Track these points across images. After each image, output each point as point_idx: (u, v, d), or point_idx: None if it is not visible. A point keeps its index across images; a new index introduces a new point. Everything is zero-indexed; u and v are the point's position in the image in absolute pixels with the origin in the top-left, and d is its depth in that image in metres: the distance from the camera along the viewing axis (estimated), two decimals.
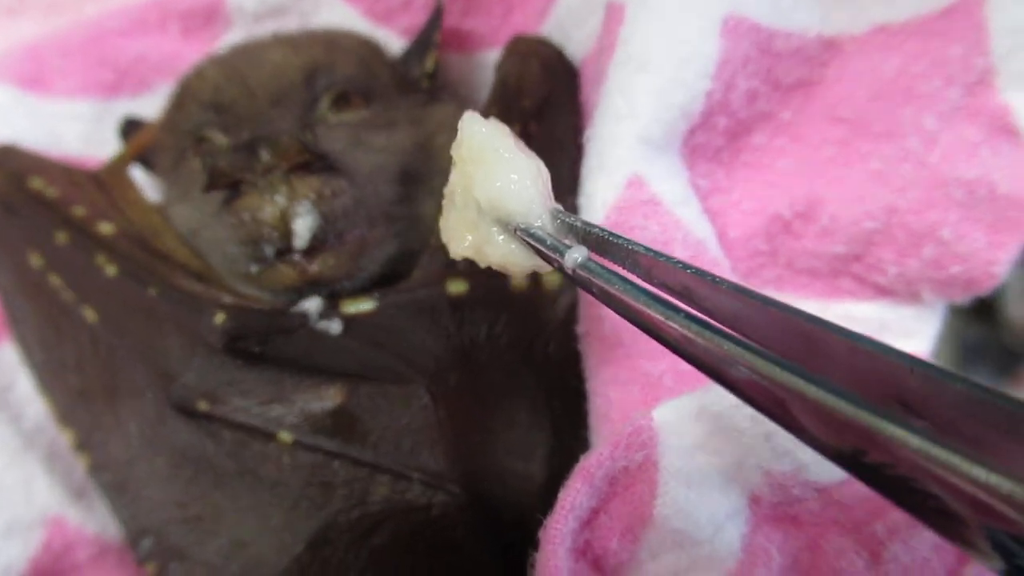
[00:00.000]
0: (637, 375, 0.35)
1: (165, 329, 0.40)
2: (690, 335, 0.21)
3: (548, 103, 0.45)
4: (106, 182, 0.47)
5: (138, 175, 0.48)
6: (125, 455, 0.42)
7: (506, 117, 0.43)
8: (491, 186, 0.28)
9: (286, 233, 0.37)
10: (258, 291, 0.40)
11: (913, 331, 0.36)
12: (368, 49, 0.46)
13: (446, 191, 0.30)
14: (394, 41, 0.49)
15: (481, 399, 0.41)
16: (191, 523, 0.41)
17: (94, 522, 0.47)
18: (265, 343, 0.38)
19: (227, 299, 0.39)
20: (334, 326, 0.38)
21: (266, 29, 0.50)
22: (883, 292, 0.37)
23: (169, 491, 0.41)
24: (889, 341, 0.35)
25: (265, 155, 0.37)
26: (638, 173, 0.35)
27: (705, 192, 0.38)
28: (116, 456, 0.43)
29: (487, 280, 0.40)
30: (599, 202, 0.35)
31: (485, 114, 0.44)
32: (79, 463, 0.47)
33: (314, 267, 0.38)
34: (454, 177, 0.30)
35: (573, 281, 0.27)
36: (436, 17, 0.46)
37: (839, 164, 0.36)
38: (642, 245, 0.26)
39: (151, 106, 0.51)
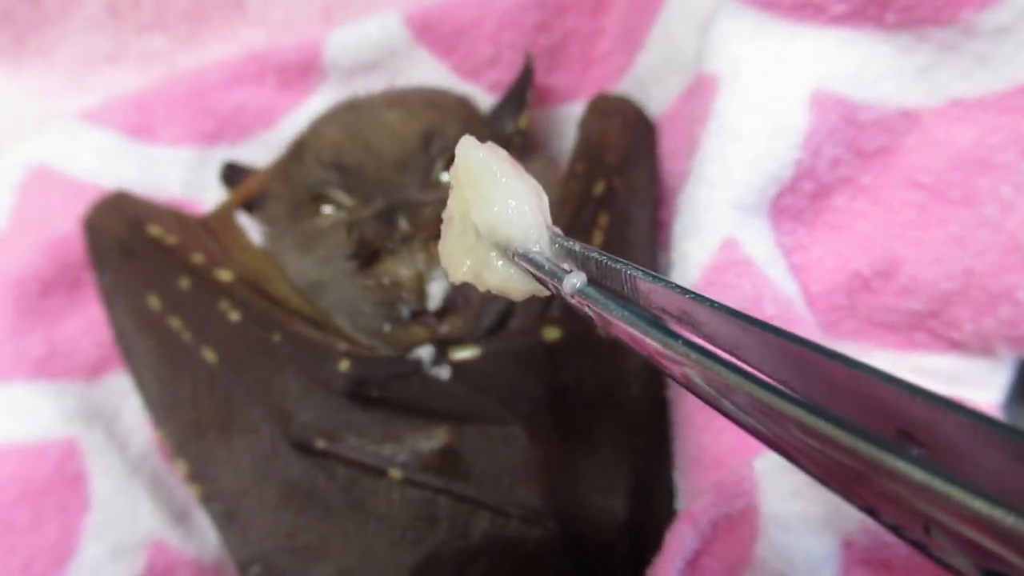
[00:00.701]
0: (730, 423, 0.38)
1: (285, 372, 0.43)
2: (687, 362, 0.20)
3: (629, 159, 0.48)
4: (215, 228, 0.50)
5: (244, 220, 0.51)
6: (237, 486, 0.45)
7: (592, 172, 0.47)
8: (489, 210, 0.27)
9: (421, 296, 0.40)
10: (381, 344, 0.43)
11: (985, 383, 0.39)
12: (468, 110, 0.49)
13: (444, 215, 0.30)
14: (481, 97, 0.52)
15: (570, 439, 0.43)
16: (299, 552, 0.44)
17: (193, 545, 0.50)
18: (384, 388, 0.41)
19: (344, 346, 0.42)
20: (444, 372, 0.41)
21: (359, 83, 0.53)
22: (957, 346, 0.39)
23: (279, 521, 0.44)
24: (962, 392, 0.38)
25: (404, 224, 0.40)
26: (732, 236, 0.37)
27: (789, 249, 0.40)
28: (228, 487, 0.45)
29: (579, 327, 0.43)
30: (694, 261, 0.38)
31: (571, 170, 0.47)
32: (188, 492, 0.50)
33: (444, 327, 0.41)
34: (452, 202, 0.29)
35: (571, 307, 0.26)
36: (527, 75, 0.49)
37: (917, 227, 0.39)
38: (641, 269, 0.25)
39: (249, 153, 0.54)
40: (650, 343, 0.21)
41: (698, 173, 0.39)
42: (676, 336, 0.21)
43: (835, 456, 0.17)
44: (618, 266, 0.25)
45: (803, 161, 0.38)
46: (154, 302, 0.47)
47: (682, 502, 0.43)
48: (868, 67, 0.38)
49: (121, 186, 0.51)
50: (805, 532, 0.33)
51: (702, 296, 0.23)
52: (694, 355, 0.20)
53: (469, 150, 0.28)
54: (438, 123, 0.46)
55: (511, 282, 0.28)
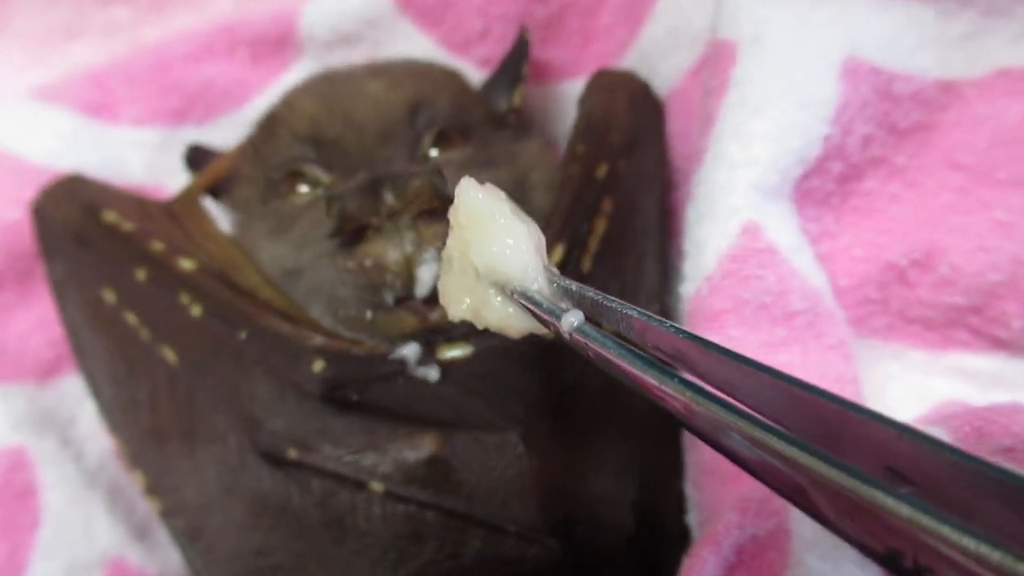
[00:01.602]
0: None
1: (252, 373, 0.39)
2: (684, 400, 0.21)
3: (636, 139, 0.44)
4: (178, 214, 0.46)
5: (209, 206, 0.47)
6: (201, 501, 0.41)
7: (594, 153, 0.43)
8: (488, 250, 0.28)
9: (409, 281, 0.36)
10: (365, 335, 0.39)
11: None
12: (458, 84, 0.46)
13: (444, 255, 0.31)
14: (471, 73, 0.48)
15: (571, 446, 0.40)
16: (269, 573, 0.40)
17: (155, 563, 0.47)
18: (364, 391, 0.36)
19: (319, 340, 0.38)
20: (432, 373, 0.37)
21: (338, 58, 0.49)
22: (1001, 345, 0.36)
23: (248, 540, 0.40)
24: (1004, 395, 0.34)
25: (390, 198, 0.35)
26: (753, 220, 0.34)
27: (814, 237, 0.37)
28: (191, 502, 0.41)
29: None
30: (711, 249, 0.34)
31: (571, 151, 0.43)
32: (147, 505, 0.46)
33: (435, 315, 0.37)
34: (451, 241, 0.30)
35: (569, 345, 0.26)
36: (522, 49, 0.45)
37: (959, 212, 0.35)
38: (635, 309, 0.25)
39: (218, 133, 0.50)
40: (648, 380, 0.22)
41: (715, 151, 0.35)
42: (672, 375, 0.22)
43: (826, 492, 0.18)
44: (613, 305, 0.26)
45: (832, 138, 0.34)
46: (109, 295, 0.43)
47: (694, 516, 0.39)
48: (905, 33, 0.34)
49: (78, 170, 0.47)
50: (843, 560, 0.29)
51: (695, 335, 0.23)
52: (689, 394, 0.21)
53: (468, 191, 0.29)
54: (426, 94, 0.42)
55: (509, 320, 0.28)
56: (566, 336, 0.26)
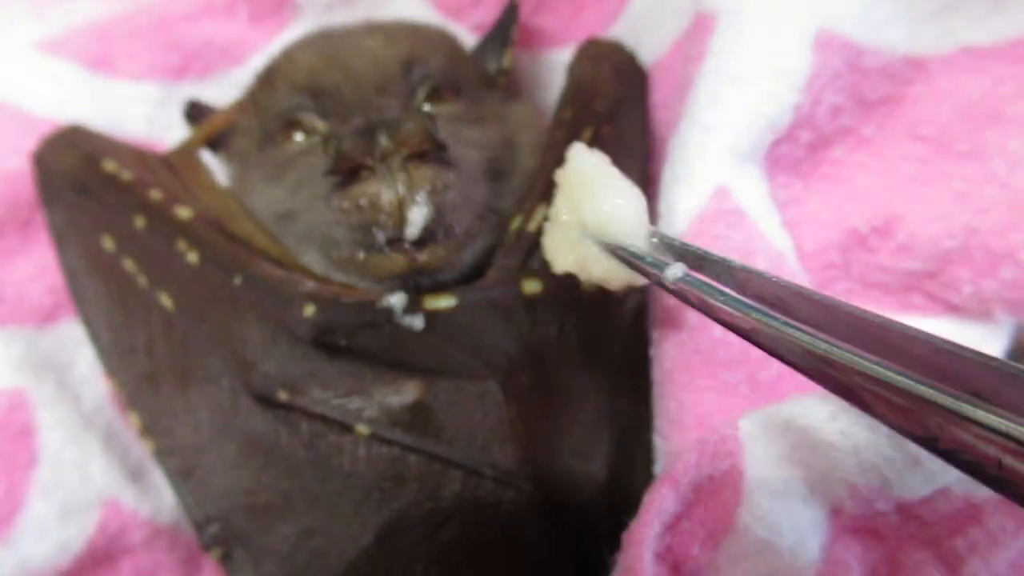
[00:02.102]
0: (714, 382, 0.36)
1: (246, 317, 0.40)
2: (784, 338, 0.24)
3: (620, 106, 0.45)
4: (176, 166, 0.47)
5: (207, 159, 0.48)
6: (194, 441, 0.43)
7: (580, 119, 0.44)
8: (599, 208, 0.31)
9: (401, 221, 0.37)
10: (355, 277, 0.40)
11: (982, 348, 0.37)
12: (451, 44, 0.47)
13: (551, 213, 0.34)
14: (464, 37, 0.50)
15: (549, 398, 0.41)
16: (259, 511, 0.42)
17: (148, 505, 0.48)
18: (352, 337, 0.38)
19: (310, 286, 0.39)
20: (417, 322, 0.38)
21: (335, 19, 0.50)
22: (954, 309, 0.38)
23: (238, 479, 0.42)
24: None
25: (384, 140, 0.36)
26: (724, 184, 0.35)
27: (782, 203, 0.38)
28: (184, 442, 0.43)
29: (560, 281, 0.40)
30: (682, 210, 0.36)
31: (559, 117, 0.45)
32: (142, 447, 0.48)
33: (423, 256, 0.38)
34: (559, 200, 0.33)
35: (674, 294, 0.29)
36: (512, 13, 0.47)
37: (920, 182, 0.37)
38: (736, 262, 0.28)
39: (216, 90, 0.51)
40: (751, 321, 0.26)
41: (691, 116, 0.36)
42: (773, 316, 0.25)
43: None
44: (715, 258, 0.29)
45: (802, 107, 0.36)
46: (108, 243, 0.44)
47: (662, 465, 0.41)
48: (877, 8, 0.36)
49: (79, 122, 0.48)
50: (792, 498, 0.32)
51: (793, 284, 0.27)
52: (790, 331, 0.24)
53: (582, 154, 0.33)
54: (420, 51, 0.44)
55: (613, 272, 0.32)
56: (670, 287, 0.28)
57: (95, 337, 0.45)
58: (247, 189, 0.45)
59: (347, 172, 0.37)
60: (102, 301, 0.45)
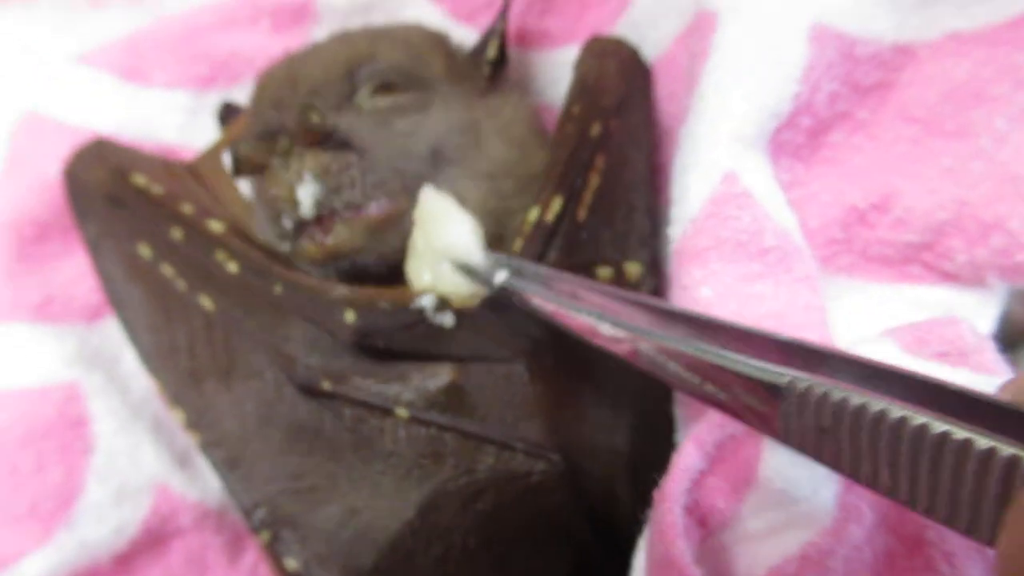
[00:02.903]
0: None
1: (288, 319, 0.43)
2: (577, 318, 0.34)
3: (626, 101, 0.48)
4: (202, 174, 0.49)
5: None
6: (239, 433, 0.45)
7: (588, 114, 0.47)
8: (445, 235, 0.40)
9: (293, 203, 0.41)
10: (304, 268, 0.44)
11: (978, 313, 0.40)
12: (425, 40, 0.49)
13: (410, 243, 0.41)
14: (475, 39, 0.52)
15: (572, 378, 0.44)
16: (304, 493, 0.44)
17: (195, 490, 0.51)
18: (390, 339, 0.41)
19: (344, 291, 0.42)
20: (447, 319, 0.41)
21: (353, 26, 0.53)
22: (950, 277, 0.40)
23: (284, 464, 0.44)
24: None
25: (283, 140, 0.41)
26: (732, 169, 0.38)
27: (786, 185, 0.41)
28: (229, 434, 0.45)
29: (576, 272, 0.43)
30: (694, 195, 0.39)
31: (568, 112, 0.47)
32: (187, 438, 0.51)
33: (329, 240, 0.42)
34: (416, 232, 0.41)
35: (500, 294, 0.38)
36: (504, 7, 0.49)
37: (912, 160, 0.40)
38: (550, 269, 0.37)
39: (242, 98, 0.53)
40: (561, 311, 0.35)
41: (698, 108, 0.39)
42: (580, 308, 0.34)
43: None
44: (540, 270, 0.38)
45: (802, 95, 0.38)
46: (144, 251, 0.46)
47: (682, 434, 0.44)
48: (865, 1, 0.39)
49: (115, 130, 0.50)
50: None
51: (610, 288, 0.35)
52: (581, 315, 0.34)
53: (430, 194, 0.41)
54: (367, 52, 0.47)
55: (459, 286, 0.40)
56: (496, 287, 0.37)
57: (135, 340, 0.47)
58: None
59: (250, 173, 0.42)
60: (141, 305, 0.47)
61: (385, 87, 0.46)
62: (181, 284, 0.46)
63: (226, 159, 0.50)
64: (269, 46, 0.52)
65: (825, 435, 0.26)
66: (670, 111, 0.48)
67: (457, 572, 0.43)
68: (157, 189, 0.47)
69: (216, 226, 0.46)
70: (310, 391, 0.43)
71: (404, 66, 0.47)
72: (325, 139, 0.42)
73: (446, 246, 0.39)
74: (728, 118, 0.38)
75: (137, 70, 0.52)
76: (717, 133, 0.38)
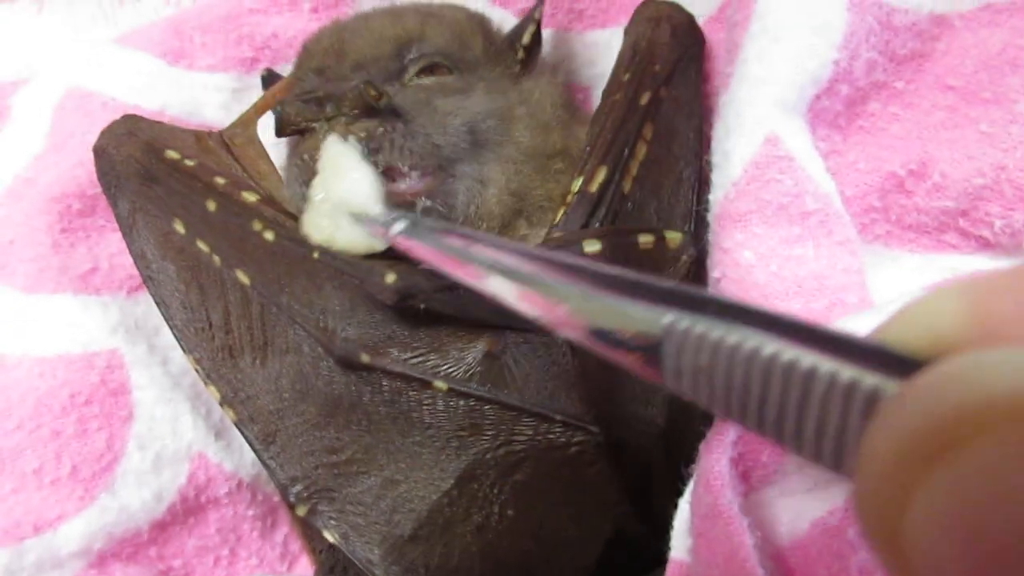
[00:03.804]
0: None
1: (324, 288, 0.43)
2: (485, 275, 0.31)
3: (677, 69, 0.47)
4: (234, 144, 0.50)
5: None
6: (275, 407, 0.45)
7: (638, 82, 0.47)
8: (343, 187, 0.39)
9: None
10: None
11: None
12: (468, 23, 0.50)
13: (309, 193, 0.40)
14: (511, 22, 0.53)
15: None
16: (342, 467, 0.44)
17: (231, 460, 0.51)
18: (430, 300, 0.41)
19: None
20: None
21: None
22: (986, 245, 0.41)
23: (320, 438, 0.44)
24: None
25: (330, 106, 0.42)
26: (774, 132, 0.39)
27: (824, 154, 0.41)
28: (265, 408, 0.45)
29: (617, 239, 0.43)
30: (737, 158, 0.39)
31: (616, 79, 0.48)
32: (224, 414, 0.51)
33: None
34: (316, 182, 0.40)
35: (397, 244, 0.36)
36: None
37: (949, 127, 0.40)
38: (454, 226, 0.36)
39: None
40: (452, 256, 0.32)
41: (740, 73, 0.40)
42: (471, 254, 0.31)
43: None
44: (430, 222, 0.37)
45: (841, 62, 0.39)
46: (179, 226, 0.46)
47: None
48: None
49: (158, 109, 0.51)
50: None
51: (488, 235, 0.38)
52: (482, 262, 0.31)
53: (331, 145, 0.40)
54: (416, 32, 0.47)
55: (355, 239, 0.39)
56: (394, 237, 0.35)
57: (170, 318, 0.47)
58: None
59: (291, 135, 0.43)
60: (175, 282, 0.47)
61: (429, 69, 0.47)
62: (216, 259, 0.46)
63: (259, 129, 0.51)
64: (309, 28, 0.54)
65: (701, 375, 0.25)
66: (705, 89, 0.49)
67: (495, 541, 0.43)
68: (190, 163, 0.47)
69: (250, 197, 0.46)
70: (348, 364, 0.43)
71: (449, 49, 0.48)
72: (375, 111, 0.43)
73: (346, 197, 0.39)
74: (771, 83, 0.38)
75: (181, 52, 0.53)
76: (760, 98, 0.39)
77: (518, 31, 0.52)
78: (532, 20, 0.51)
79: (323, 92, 0.43)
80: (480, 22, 0.51)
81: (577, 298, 0.28)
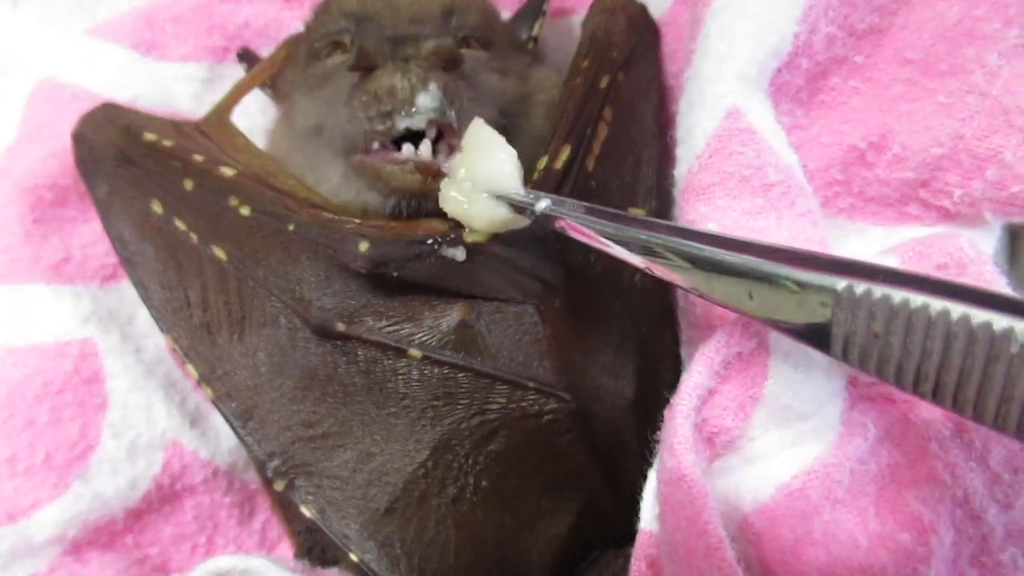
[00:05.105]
0: None
1: (300, 260, 0.44)
2: (621, 235, 0.36)
3: (634, 55, 0.49)
4: (210, 132, 0.50)
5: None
6: (252, 382, 0.45)
7: (596, 67, 0.48)
8: (488, 167, 0.40)
9: (411, 104, 0.42)
10: (373, 183, 0.45)
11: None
12: (489, 7, 0.52)
13: (450, 168, 0.42)
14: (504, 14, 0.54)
15: (580, 321, 0.45)
16: (318, 440, 0.45)
17: (207, 448, 0.51)
18: (402, 268, 0.41)
19: (357, 224, 0.43)
20: (459, 253, 0.41)
21: None
22: (947, 216, 0.41)
23: (296, 412, 0.45)
24: None
25: (409, 49, 0.42)
26: (736, 106, 0.39)
27: (786, 128, 0.42)
28: (243, 384, 0.45)
29: None
30: (700, 132, 0.40)
31: (577, 65, 0.49)
32: (198, 396, 0.51)
33: (437, 162, 0.42)
34: (458, 158, 0.41)
35: (541, 221, 0.38)
36: None
37: (908, 100, 0.41)
38: (595, 206, 0.37)
39: None
40: (591, 232, 0.37)
41: (703, 48, 0.40)
42: (609, 223, 0.36)
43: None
44: (570, 201, 0.38)
45: (800, 35, 0.40)
46: (156, 207, 0.47)
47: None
48: None
49: (130, 99, 0.52)
50: (813, 370, 0.35)
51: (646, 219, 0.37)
52: (626, 230, 0.36)
53: (478, 125, 0.41)
54: (460, 4, 0.48)
55: (496, 214, 0.40)
56: (538, 213, 0.38)
57: (148, 299, 0.48)
58: (289, 114, 0.49)
59: (367, 69, 0.42)
60: (153, 263, 0.48)
61: (466, 42, 0.48)
62: (194, 237, 0.46)
63: (233, 115, 0.51)
64: (280, 18, 0.54)
65: (874, 343, 0.28)
66: (672, 70, 0.50)
67: (469, 513, 0.44)
68: (167, 143, 0.48)
69: (227, 172, 0.46)
70: (324, 333, 0.43)
71: (481, 27, 0.49)
72: (452, 66, 0.43)
73: (488, 175, 0.40)
74: (731, 58, 0.39)
75: (154, 43, 0.53)
76: (721, 72, 0.39)
77: (523, 22, 0.53)
78: (541, 13, 0.53)
79: (405, 32, 0.43)
80: (495, 9, 0.52)
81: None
